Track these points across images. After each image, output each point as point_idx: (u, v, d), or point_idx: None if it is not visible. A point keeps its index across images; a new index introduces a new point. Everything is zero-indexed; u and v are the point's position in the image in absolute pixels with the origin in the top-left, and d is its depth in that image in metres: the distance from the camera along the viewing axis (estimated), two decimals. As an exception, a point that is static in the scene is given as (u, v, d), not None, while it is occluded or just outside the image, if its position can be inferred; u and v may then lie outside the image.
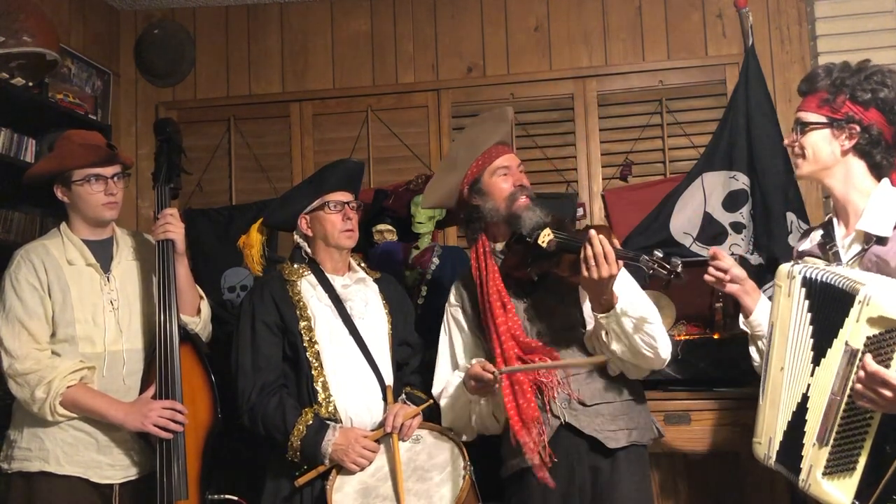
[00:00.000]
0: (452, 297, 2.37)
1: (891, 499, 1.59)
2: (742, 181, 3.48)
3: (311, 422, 2.15)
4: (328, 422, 2.17)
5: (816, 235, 1.95)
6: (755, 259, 3.41)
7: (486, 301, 2.16)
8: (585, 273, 1.91)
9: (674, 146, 3.72)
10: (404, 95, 3.97)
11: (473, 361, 2.17)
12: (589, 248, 1.91)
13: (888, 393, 1.49)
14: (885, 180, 1.82)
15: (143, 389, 2.27)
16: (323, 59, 4.06)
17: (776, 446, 1.77)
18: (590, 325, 2.14)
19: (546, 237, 2.03)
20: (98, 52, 3.96)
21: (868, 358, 1.52)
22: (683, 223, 3.52)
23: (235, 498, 2.25)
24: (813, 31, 3.58)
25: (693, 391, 2.95)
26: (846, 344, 1.58)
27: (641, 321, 2.00)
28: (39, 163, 2.35)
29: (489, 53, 3.93)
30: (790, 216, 3.34)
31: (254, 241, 2.51)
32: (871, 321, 1.53)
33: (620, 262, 1.92)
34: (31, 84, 3.22)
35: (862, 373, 1.53)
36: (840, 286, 1.61)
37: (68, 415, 2.15)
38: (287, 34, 4.10)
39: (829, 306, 1.64)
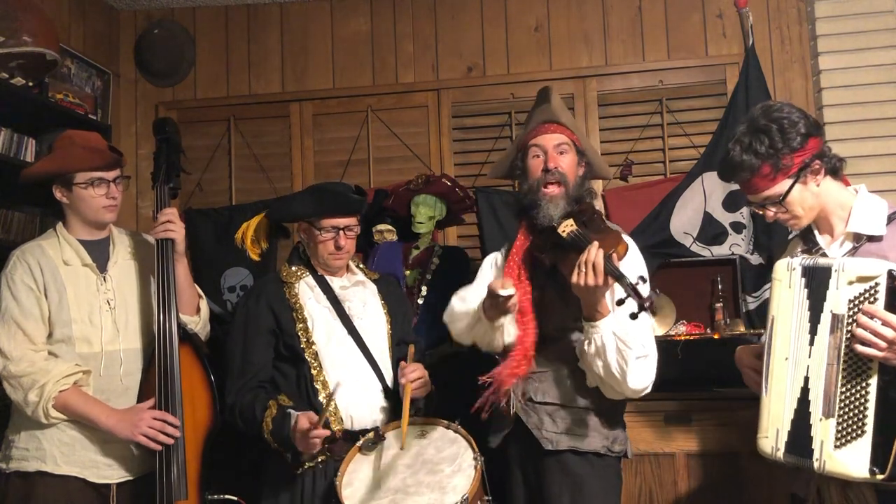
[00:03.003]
0: (500, 253, 2.37)
1: None
2: (742, 181, 3.48)
3: (275, 414, 2.17)
4: (288, 410, 2.17)
5: (796, 245, 2.01)
6: (755, 259, 3.41)
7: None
8: (574, 277, 1.92)
9: (674, 146, 3.73)
10: (404, 95, 3.97)
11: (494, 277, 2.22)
12: (584, 254, 1.91)
13: (889, 332, 1.61)
14: (863, 186, 1.92)
15: (141, 389, 2.26)
16: (323, 59, 4.06)
17: (784, 437, 1.78)
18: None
19: (567, 227, 2.01)
20: (98, 52, 3.96)
21: (866, 303, 1.66)
22: (684, 223, 3.52)
23: (235, 498, 2.24)
24: (813, 31, 3.58)
25: (693, 391, 2.95)
26: (831, 312, 1.72)
27: (623, 344, 1.97)
28: (39, 162, 2.32)
29: (489, 53, 3.93)
30: (790, 216, 3.33)
31: (257, 225, 2.50)
32: (850, 283, 1.69)
33: (609, 279, 1.89)
34: (31, 84, 3.22)
35: (863, 317, 1.65)
36: (822, 265, 1.77)
37: (62, 417, 2.15)
38: (287, 34, 4.10)
39: (817, 286, 1.77)
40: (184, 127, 3.96)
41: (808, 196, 1.87)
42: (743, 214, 3.48)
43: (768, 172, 1.84)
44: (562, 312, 2.14)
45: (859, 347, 1.66)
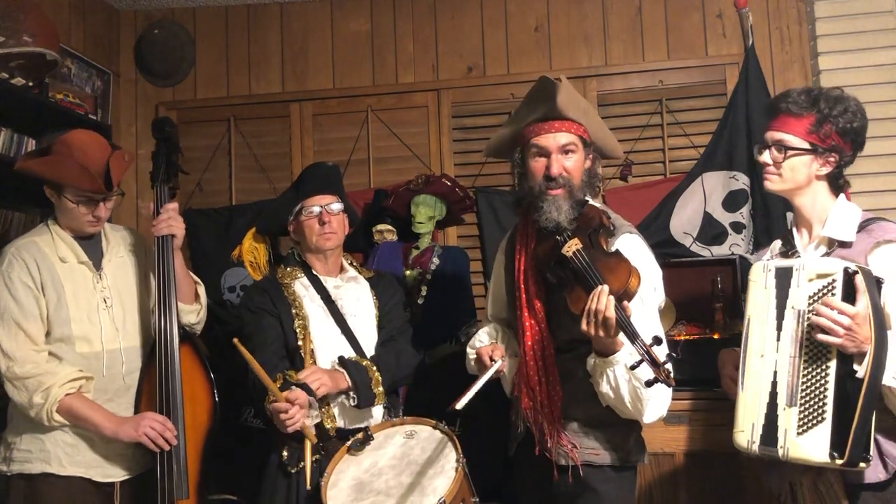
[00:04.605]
0: (500, 251, 2.30)
1: (864, 446, 1.70)
2: (742, 181, 3.48)
3: (279, 386, 2.16)
4: (293, 385, 2.15)
5: (776, 246, 2.07)
6: (755, 259, 3.41)
7: (515, 290, 2.12)
8: (583, 325, 1.80)
9: (674, 146, 3.73)
10: (404, 95, 3.97)
11: (485, 343, 2.17)
12: (593, 300, 1.77)
13: (846, 320, 1.70)
14: (842, 195, 1.99)
15: (140, 387, 2.27)
16: (323, 59, 4.06)
17: (759, 430, 1.83)
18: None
19: (571, 248, 1.89)
20: (98, 52, 3.96)
21: (829, 294, 1.75)
22: (683, 223, 3.52)
23: (235, 498, 2.25)
24: (813, 31, 3.58)
25: (693, 391, 2.95)
26: (793, 308, 1.82)
27: (638, 382, 1.84)
28: (35, 161, 2.23)
29: (489, 53, 3.93)
30: (790, 216, 3.33)
31: (257, 248, 2.53)
32: (810, 280, 1.80)
33: (619, 331, 1.76)
34: (31, 84, 3.22)
35: (823, 307, 1.73)
36: (786, 265, 1.86)
37: (63, 422, 2.13)
38: (287, 34, 4.10)
39: (782, 284, 1.86)
40: (184, 127, 3.98)
41: (803, 172, 1.95)
42: (743, 214, 3.48)
43: (810, 124, 1.92)
44: (570, 325, 2.00)
45: (820, 336, 1.73)
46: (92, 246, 2.30)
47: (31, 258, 2.18)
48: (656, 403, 1.92)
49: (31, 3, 3.18)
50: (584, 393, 2.02)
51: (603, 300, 1.76)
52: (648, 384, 1.70)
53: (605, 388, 1.92)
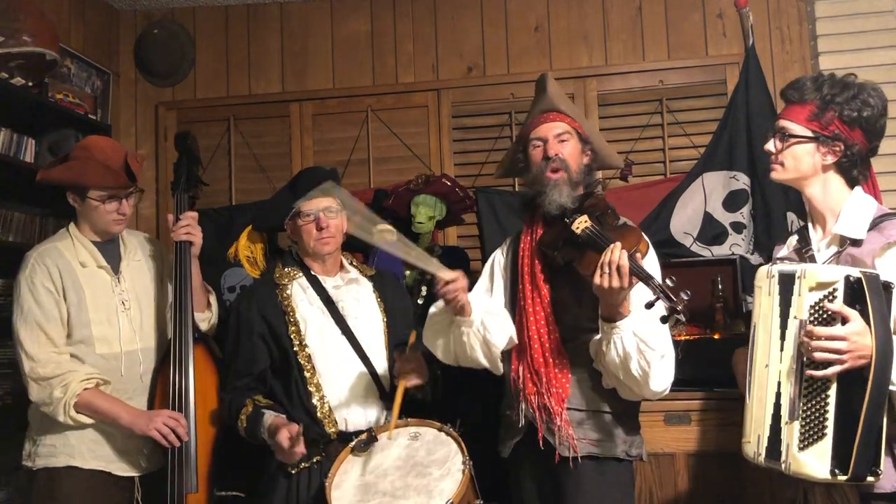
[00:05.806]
0: (499, 252, 2.32)
1: (872, 460, 1.66)
2: (742, 181, 3.48)
3: (250, 412, 2.22)
4: (262, 410, 2.21)
5: (792, 241, 2.00)
6: (756, 259, 3.41)
7: (519, 280, 2.15)
8: (597, 279, 1.85)
9: (674, 146, 3.73)
10: (404, 95, 3.97)
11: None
12: (606, 254, 1.84)
13: (840, 344, 1.65)
14: (858, 188, 1.90)
15: (153, 385, 2.36)
16: (323, 59, 4.06)
17: (765, 442, 1.80)
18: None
19: (581, 224, 1.96)
20: (98, 52, 3.96)
21: (828, 302, 1.69)
22: (684, 223, 3.52)
23: (242, 495, 2.30)
24: (813, 31, 3.58)
25: (693, 391, 2.95)
26: (795, 318, 1.75)
27: (644, 344, 1.90)
28: (56, 169, 2.35)
29: (489, 53, 3.93)
30: (790, 216, 3.34)
31: (253, 246, 2.54)
32: (812, 289, 1.72)
33: (634, 279, 1.83)
34: (30, 84, 3.22)
35: (812, 341, 1.67)
36: (788, 272, 1.78)
37: (77, 417, 2.21)
38: (287, 34, 4.10)
39: (785, 292, 1.78)
40: (184, 127, 3.97)
41: (807, 161, 1.88)
42: (743, 214, 3.48)
43: (811, 111, 1.86)
44: (575, 312, 2.07)
45: (818, 355, 1.68)
46: (110, 251, 2.40)
47: (53, 263, 2.27)
48: (662, 370, 1.95)
49: (31, 3, 3.18)
50: (585, 384, 2.06)
51: (616, 252, 1.83)
52: (663, 320, 1.75)
53: (612, 355, 1.94)
